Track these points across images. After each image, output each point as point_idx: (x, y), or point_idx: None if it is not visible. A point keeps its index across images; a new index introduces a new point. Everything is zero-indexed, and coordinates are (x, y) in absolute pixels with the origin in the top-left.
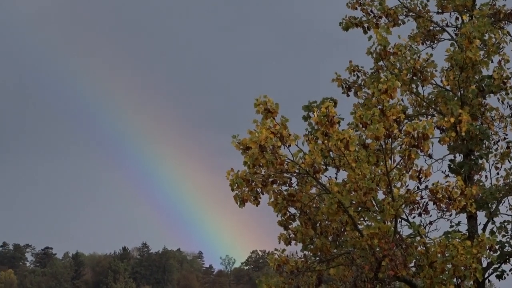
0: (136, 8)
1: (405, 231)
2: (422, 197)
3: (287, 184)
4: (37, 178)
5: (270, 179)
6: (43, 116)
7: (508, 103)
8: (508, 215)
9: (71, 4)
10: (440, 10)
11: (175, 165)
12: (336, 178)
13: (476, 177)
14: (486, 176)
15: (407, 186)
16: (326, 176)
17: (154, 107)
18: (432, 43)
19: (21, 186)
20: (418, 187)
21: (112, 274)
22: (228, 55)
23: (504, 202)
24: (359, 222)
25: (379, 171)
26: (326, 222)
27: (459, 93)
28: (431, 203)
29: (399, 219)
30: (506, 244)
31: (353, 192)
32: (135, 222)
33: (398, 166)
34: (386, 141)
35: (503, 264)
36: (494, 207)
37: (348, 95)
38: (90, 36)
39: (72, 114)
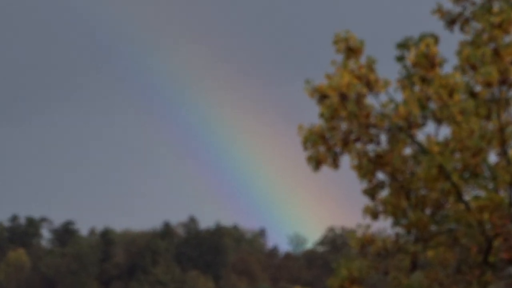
0: None
1: None
2: None
3: (375, 143)
4: (56, 135)
5: (353, 136)
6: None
7: None
8: None
9: None
10: None
11: (229, 118)
12: (436, 135)
13: None
14: None
15: None
16: (424, 133)
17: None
18: None
19: (37, 144)
20: None
21: (151, 255)
22: None
23: None
24: (465, 191)
25: (491, 126)
26: (423, 191)
27: None
28: None
29: None
30: None
31: (458, 153)
32: (180, 190)
33: None
34: (500, 88)
35: None
36: None
37: (452, 31)
38: None
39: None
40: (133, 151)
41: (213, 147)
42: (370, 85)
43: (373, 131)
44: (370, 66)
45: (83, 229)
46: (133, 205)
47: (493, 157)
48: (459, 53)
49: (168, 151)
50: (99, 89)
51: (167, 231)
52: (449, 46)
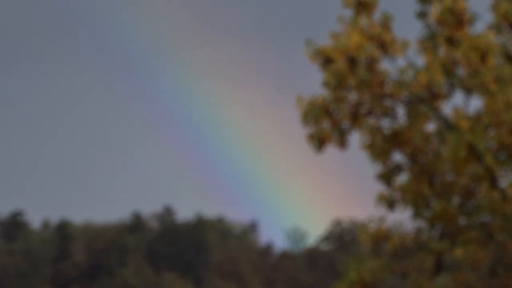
0: None
1: None
2: None
3: (390, 117)
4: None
5: (364, 109)
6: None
7: None
8: None
9: None
10: None
11: (217, 88)
12: (465, 107)
13: None
14: None
15: None
16: (450, 105)
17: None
18: None
19: None
20: None
21: (117, 253)
22: None
23: None
24: (501, 176)
25: None
26: (450, 175)
27: None
28: None
29: None
30: None
31: (492, 130)
32: (154, 175)
33: None
34: None
35: None
36: None
37: None
38: None
39: None
40: (98, 128)
41: (195, 122)
42: (385, 47)
43: (388, 102)
44: (385, 23)
45: (35, 221)
46: (96, 193)
47: None
48: (493, 8)
49: (140, 128)
50: (59, 54)
51: (137, 224)
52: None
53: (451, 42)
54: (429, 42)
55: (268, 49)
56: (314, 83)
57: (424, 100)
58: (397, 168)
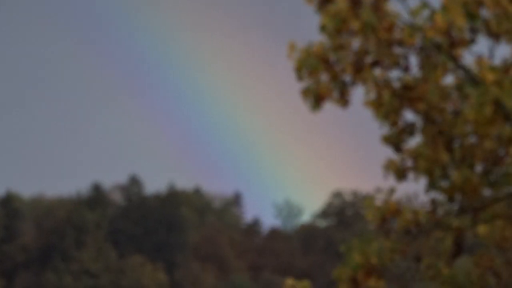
0: None
1: None
2: None
3: (401, 68)
4: None
5: (369, 59)
6: None
7: None
8: None
9: None
10: None
11: (197, 38)
12: (491, 56)
13: None
14: None
15: None
16: (472, 53)
17: None
18: None
19: None
20: None
21: (74, 233)
22: None
23: None
24: None
25: None
26: (472, 138)
27: None
28: None
29: None
30: None
31: None
32: (117, 139)
33: None
34: None
35: None
36: None
37: None
38: None
39: None
40: (53, 90)
41: (169, 81)
42: None
43: (398, 50)
44: None
45: None
46: (49, 161)
47: None
48: None
49: (104, 87)
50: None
51: (97, 197)
52: None
53: None
54: None
55: None
56: (309, 29)
57: (442, 47)
58: (409, 130)
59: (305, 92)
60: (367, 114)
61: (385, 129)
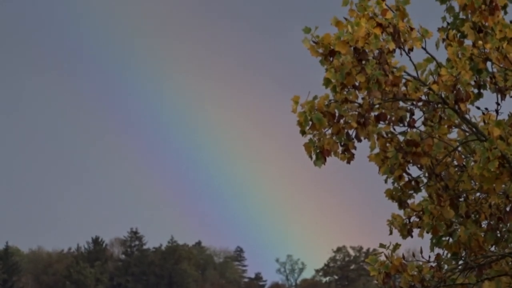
0: None
1: None
2: None
3: (406, 122)
4: None
5: (374, 113)
6: None
7: None
8: None
9: None
10: None
11: (196, 82)
12: (497, 111)
13: None
14: None
15: None
16: (478, 108)
17: None
18: None
19: None
20: None
21: (73, 287)
22: None
23: None
24: None
25: None
26: (478, 194)
27: None
28: None
29: None
30: None
31: None
32: (117, 192)
33: None
34: None
35: None
36: None
37: None
38: None
39: None
40: (51, 134)
41: (174, 133)
42: (400, 38)
43: (404, 105)
44: (402, 9)
45: None
46: (49, 215)
47: None
48: None
49: (106, 143)
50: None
51: (97, 251)
52: None
53: (480, 31)
54: (453, 32)
55: (257, 37)
56: (314, 81)
57: (447, 102)
58: (414, 186)
59: (308, 146)
60: (372, 169)
61: (389, 184)
